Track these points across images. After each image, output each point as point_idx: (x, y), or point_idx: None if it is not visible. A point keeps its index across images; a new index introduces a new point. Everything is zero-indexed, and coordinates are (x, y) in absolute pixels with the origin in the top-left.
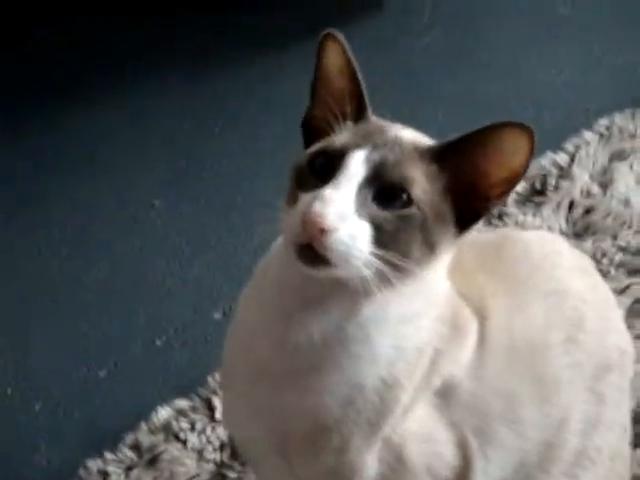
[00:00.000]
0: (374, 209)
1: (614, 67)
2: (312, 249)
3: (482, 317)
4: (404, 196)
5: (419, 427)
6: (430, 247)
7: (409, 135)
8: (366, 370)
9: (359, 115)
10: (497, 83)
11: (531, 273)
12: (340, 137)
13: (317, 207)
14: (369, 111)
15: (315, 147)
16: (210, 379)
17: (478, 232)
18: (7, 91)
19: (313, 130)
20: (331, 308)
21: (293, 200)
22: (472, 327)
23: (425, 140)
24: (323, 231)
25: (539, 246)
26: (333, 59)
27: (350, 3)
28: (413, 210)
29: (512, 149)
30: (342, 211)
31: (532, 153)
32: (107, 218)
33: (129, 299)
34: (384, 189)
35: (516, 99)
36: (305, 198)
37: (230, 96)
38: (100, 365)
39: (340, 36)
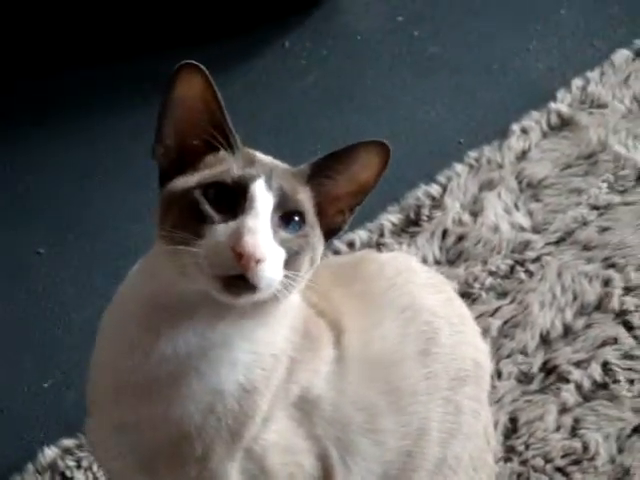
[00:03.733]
0: (282, 233)
1: (483, 102)
2: (242, 279)
3: (338, 331)
4: (300, 219)
5: (280, 438)
6: (313, 262)
7: (277, 161)
8: (225, 376)
9: (229, 144)
10: (372, 121)
11: (386, 290)
12: (229, 167)
13: (250, 239)
14: (238, 139)
15: (197, 178)
16: None
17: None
18: None
19: (169, 161)
20: (199, 320)
21: (195, 234)
22: (326, 338)
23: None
24: (258, 261)
25: (393, 265)
26: (194, 90)
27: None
28: (307, 230)
29: (366, 163)
30: (268, 240)
31: (385, 167)
32: None
33: (16, 345)
34: (286, 214)
35: (391, 135)
36: (222, 230)
37: (114, 140)
38: None
39: (201, 66)
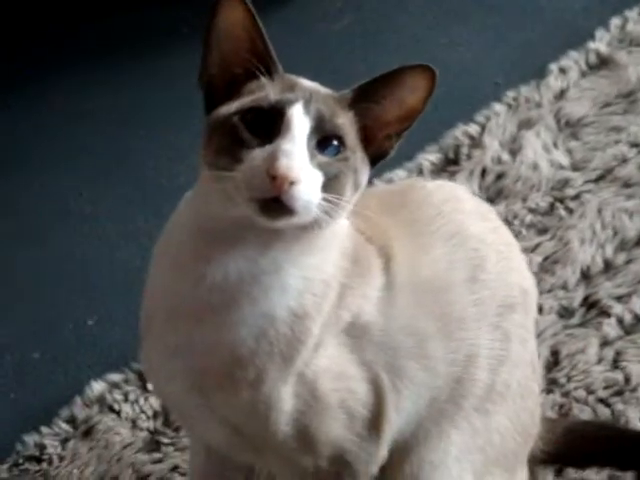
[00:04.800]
0: (320, 157)
1: (518, 43)
2: (278, 202)
3: (387, 257)
4: (340, 142)
5: (331, 364)
6: (357, 186)
7: (320, 87)
8: (276, 301)
9: (269, 71)
10: (408, 62)
11: (433, 217)
12: (267, 93)
13: (284, 161)
14: (280, 66)
15: (236, 105)
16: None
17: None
18: None
19: (214, 90)
20: (249, 246)
21: (235, 159)
22: (376, 265)
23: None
24: (292, 184)
25: (441, 192)
26: (235, 17)
27: None
28: (348, 153)
29: (412, 86)
30: (304, 163)
31: (431, 91)
32: (37, 208)
33: (60, 283)
34: (324, 138)
35: None
36: (258, 154)
37: (153, 81)
38: (34, 347)
39: None
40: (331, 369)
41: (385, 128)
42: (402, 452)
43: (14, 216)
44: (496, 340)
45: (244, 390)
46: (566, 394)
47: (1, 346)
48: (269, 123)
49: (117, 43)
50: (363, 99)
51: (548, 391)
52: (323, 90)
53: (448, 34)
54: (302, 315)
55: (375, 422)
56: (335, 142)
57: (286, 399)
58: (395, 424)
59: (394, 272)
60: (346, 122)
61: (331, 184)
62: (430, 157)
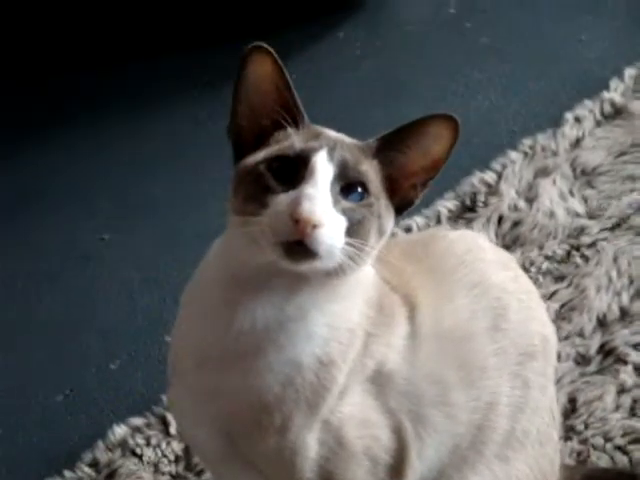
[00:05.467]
0: (344, 203)
1: (533, 91)
2: (301, 245)
3: (411, 306)
4: (363, 189)
5: (356, 411)
6: (381, 233)
7: (345, 137)
8: (302, 348)
9: (296, 121)
10: (426, 110)
11: (455, 267)
12: (292, 142)
13: (307, 205)
14: (306, 117)
15: (263, 154)
16: (164, 397)
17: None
18: None
19: (243, 140)
20: (275, 292)
21: (261, 205)
22: (400, 313)
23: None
24: (315, 227)
25: (462, 242)
26: (264, 70)
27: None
28: (372, 200)
29: (436, 136)
30: (326, 207)
31: (455, 140)
32: (57, 252)
33: (82, 327)
34: (348, 184)
35: None
36: (283, 199)
37: (174, 128)
38: (56, 391)
39: (269, 47)
40: (356, 416)
41: (410, 177)
42: None
43: (37, 258)
44: (516, 388)
45: (270, 436)
46: (584, 441)
47: (24, 389)
48: (294, 170)
49: (137, 90)
50: (387, 148)
51: (566, 438)
52: (348, 140)
53: (466, 82)
54: (328, 363)
55: (398, 468)
56: (359, 188)
57: (311, 445)
58: (418, 470)
59: (418, 321)
60: (370, 170)
61: (355, 229)
62: (447, 204)
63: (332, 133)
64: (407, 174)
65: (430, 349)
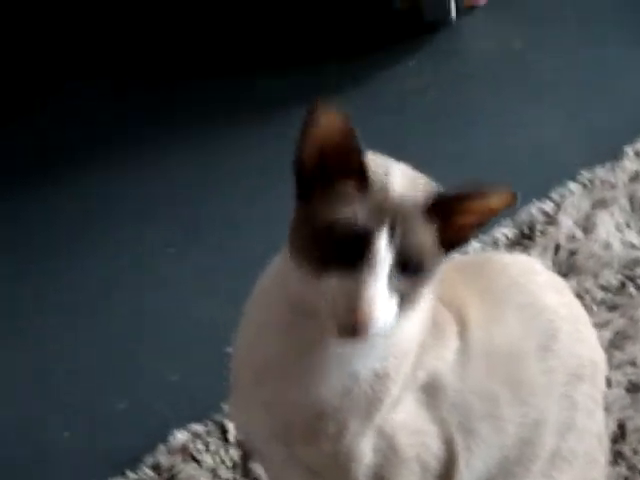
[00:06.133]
0: (400, 283)
1: (593, 126)
2: (355, 329)
3: (462, 323)
4: (421, 264)
5: (408, 420)
6: (432, 280)
7: (407, 186)
8: (362, 363)
9: (361, 181)
10: (489, 141)
11: (509, 287)
12: (354, 212)
13: (366, 307)
14: (371, 175)
15: (324, 213)
16: (223, 405)
17: None
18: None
19: (306, 175)
20: None
21: (316, 272)
22: (452, 329)
23: (417, 179)
24: (370, 321)
25: (517, 265)
26: (329, 130)
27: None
28: (427, 272)
29: (496, 205)
30: (384, 300)
31: (509, 207)
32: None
33: (141, 338)
34: (405, 263)
35: (506, 155)
36: (337, 285)
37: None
38: (120, 399)
39: (337, 106)
40: (408, 424)
41: (463, 229)
42: None
43: (104, 268)
44: (564, 408)
45: (326, 443)
46: (632, 467)
47: (89, 397)
48: (353, 247)
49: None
50: (445, 208)
51: (614, 463)
52: (409, 197)
53: (528, 115)
54: (383, 376)
55: (447, 477)
56: (421, 264)
57: (365, 452)
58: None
59: (469, 338)
60: (427, 235)
61: (406, 300)
62: (505, 231)
63: (395, 188)
64: (460, 227)
65: (480, 365)
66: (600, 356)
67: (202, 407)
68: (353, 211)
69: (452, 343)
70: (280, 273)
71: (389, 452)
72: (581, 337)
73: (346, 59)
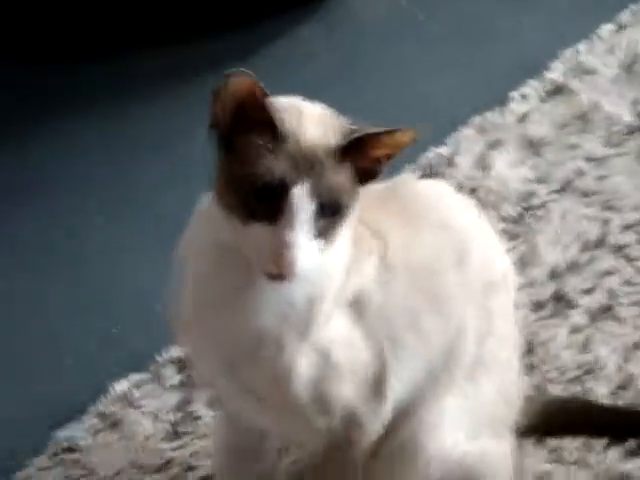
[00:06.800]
0: (321, 225)
1: (480, 74)
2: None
3: (383, 243)
4: (340, 204)
5: (340, 334)
6: (352, 214)
7: (320, 132)
8: (295, 293)
9: (274, 134)
10: (389, 96)
11: (424, 208)
12: (270, 165)
13: (288, 255)
14: (283, 127)
15: (243, 167)
16: (157, 357)
17: None
18: None
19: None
20: None
21: (244, 220)
22: (373, 247)
23: (329, 120)
24: (294, 267)
25: (429, 188)
26: (239, 89)
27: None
28: (345, 210)
29: (401, 141)
30: (305, 249)
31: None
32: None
33: (84, 301)
34: (324, 205)
35: (402, 107)
36: (260, 233)
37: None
38: (65, 355)
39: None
40: (341, 339)
41: (374, 161)
42: (403, 416)
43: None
44: (482, 317)
45: (267, 364)
46: (541, 375)
47: (37, 354)
48: (274, 197)
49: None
50: (359, 144)
51: (528, 373)
52: (320, 143)
53: (419, 67)
54: (315, 300)
55: (379, 388)
56: (339, 205)
57: (304, 368)
58: (396, 390)
59: (389, 256)
60: (344, 178)
61: (328, 234)
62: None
63: (308, 132)
64: (372, 160)
65: (401, 281)
66: (509, 267)
67: (139, 358)
68: (269, 164)
69: (374, 260)
70: (210, 219)
71: (325, 366)
72: (492, 250)
73: (245, 27)
